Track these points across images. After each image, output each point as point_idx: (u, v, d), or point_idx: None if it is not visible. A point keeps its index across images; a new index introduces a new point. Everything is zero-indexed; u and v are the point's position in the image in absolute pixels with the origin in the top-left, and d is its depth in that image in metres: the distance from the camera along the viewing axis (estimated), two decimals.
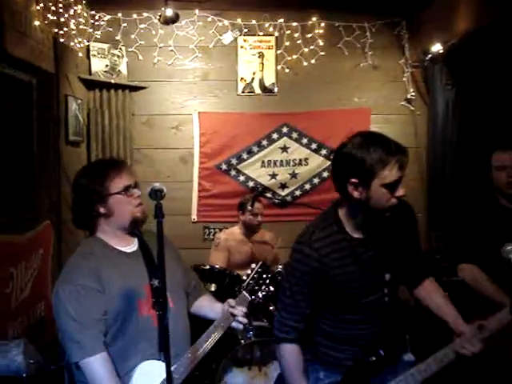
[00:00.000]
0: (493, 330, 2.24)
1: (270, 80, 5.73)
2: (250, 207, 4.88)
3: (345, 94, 5.81)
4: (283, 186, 5.83)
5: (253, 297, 2.80)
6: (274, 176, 5.81)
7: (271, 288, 4.33)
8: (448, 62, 5.17)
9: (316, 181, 5.83)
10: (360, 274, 2.31)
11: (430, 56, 5.30)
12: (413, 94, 5.74)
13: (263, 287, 2.83)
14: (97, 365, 2.28)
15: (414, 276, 2.52)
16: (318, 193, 5.81)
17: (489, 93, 4.83)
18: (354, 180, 2.21)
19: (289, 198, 5.81)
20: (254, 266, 2.87)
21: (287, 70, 5.67)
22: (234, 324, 2.66)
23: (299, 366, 2.38)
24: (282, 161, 5.81)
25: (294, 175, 5.82)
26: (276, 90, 5.74)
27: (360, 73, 5.78)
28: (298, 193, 5.84)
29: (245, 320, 2.66)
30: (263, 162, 5.80)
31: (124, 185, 2.45)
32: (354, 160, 2.21)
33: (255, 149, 5.77)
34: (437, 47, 5.16)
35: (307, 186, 5.84)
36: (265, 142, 5.77)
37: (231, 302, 2.67)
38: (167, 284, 2.00)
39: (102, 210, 2.46)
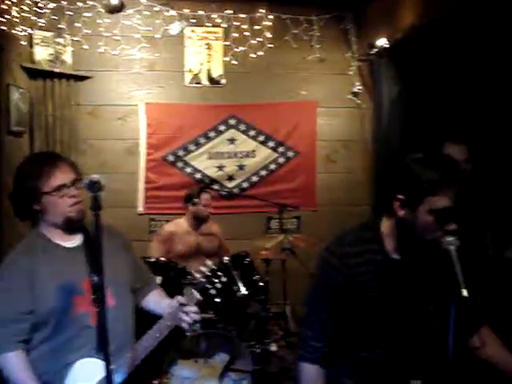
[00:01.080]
0: None
1: (217, 71, 5.71)
2: (196, 199, 4.87)
3: (292, 86, 5.83)
4: (230, 177, 5.83)
5: (204, 297, 2.77)
6: (221, 168, 5.80)
7: (223, 279, 4.38)
8: (393, 56, 5.24)
9: (263, 173, 5.85)
10: (397, 300, 2.14)
11: (375, 50, 5.36)
12: (359, 87, 5.82)
13: (216, 285, 2.79)
14: (9, 362, 2.29)
15: (467, 324, 2.21)
16: (265, 185, 5.85)
17: (433, 87, 4.92)
18: (401, 196, 2.02)
19: (236, 190, 5.81)
20: (209, 263, 2.81)
21: (235, 62, 5.65)
22: (183, 324, 2.60)
23: None
24: (229, 153, 5.81)
25: (241, 167, 5.82)
26: (223, 81, 5.72)
27: (307, 65, 5.82)
28: (245, 185, 5.85)
29: (193, 319, 2.58)
30: (210, 153, 5.77)
31: (57, 184, 2.39)
32: (407, 174, 2.00)
33: (202, 140, 5.74)
34: (382, 41, 5.22)
35: (254, 178, 5.86)
36: (212, 134, 5.75)
37: (181, 299, 2.60)
38: (109, 279, 1.97)
39: (36, 207, 2.42)
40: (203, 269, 2.80)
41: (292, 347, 5.21)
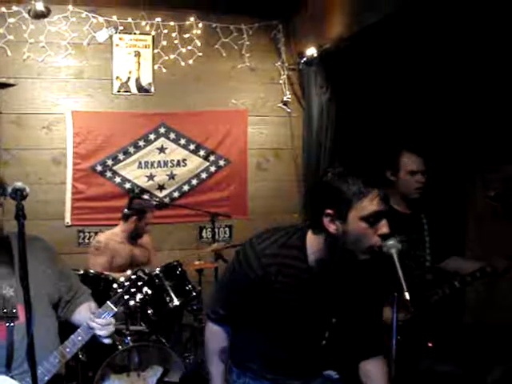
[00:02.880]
0: None
1: (146, 79, 5.61)
2: (147, 214, 4.84)
3: (222, 95, 5.81)
4: (161, 187, 5.73)
5: (120, 308, 2.70)
6: (151, 177, 5.69)
7: (148, 291, 4.29)
8: (322, 65, 5.31)
9: (194, 182, 5.79)
10: (303, 308, 2.20)
11: (304, 59, 5.42)
12: (289, 96, 5.86)
13: (137, 295, 2.72)
14: None
15: (366, 347, 2.34)
16: (197, 194, 5.78)
17: (361, 96, 5.02)
18: (329, 211, 2.04)
19: (167, 200, 5.72)
20: (128, 273, 2.77)
21: (164, 70, 5.58)
22: (99, 337, 2.58)
23: (217, 347, 2.35)
24: (159, 162, 5.71)
25: (171, 176, 5.74)
26: (153, 89, 5.63)
27: (237, 74, 5.81)
28: (176, 194, 5.76)
29: (108, 331, 2.57)
30: (140, 162, 5.66)
31: None
32: (330, 190, 2.03)
33: (132, 149, 5.63)
34: (311, 51, 5.29)
35: (185, 188, 5.78)
36: (142, 143, 5.65)
37: (93, 312, 2.59)
38: (22, 292, 1.90)
39: None
40: (121, 279, 2.74)
41: None
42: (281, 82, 5.87)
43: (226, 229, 5.85)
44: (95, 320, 2.55)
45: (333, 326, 2.26)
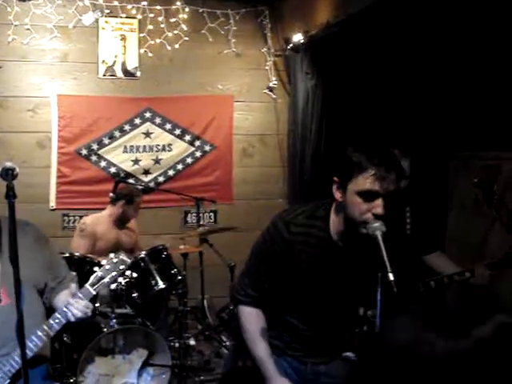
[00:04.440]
0: None
1: (132, 64, 5.60)
2: (136, 200, 4.84)
3: (208, 80, 5.81)
4: (146, 172, 5.73)
5: (100, 290, 2.68)
6: (136, 162, 5.69)
7: (133, 274, 4.31)
8: (308, 51, 5.32)
9: (180, 167, 5.80)
10: (329, 280, 2.24)
11: (291, 45, 5.43)
12: (275, 82, 5.88)
13: (119, 278, 2.71)
14: None
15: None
16: (182, 179, 5.80)
17: (347, 82, 5.05)
18: (335, 178, 2.13)
19: (152, 185, 5.73)
20: (111, 255, 2.74)
21: (150, 54, 5.57)
22: (68, 314, 2.58)
23: (257, 329, 2.31)
24: (145, 146, 5.71)
25: (157, 161, 5.74)
26: (139, 73, 5.62)
27: (223, 60, 5.81)
28: (161, 179, 5.77)
29: (82, 312, 2.58)
30: (125, 147, 5.66)
31: None
32: (341, 158, 2.10)
33: (117, 134, 5.62)
34: (297, 37, 5.29)
35: (171, 172, 5.79)
36: (127, 127, 5.64)
37: (73, 295, 2.60)
38: (5, 276, 1.91)
39: None
40: (103, 262, 2.73)
41: (210, 340, 5.23)
42: (267, 67, 5.88)
43: (211, 214, 5.87)
44: (70, 301, 2.56)
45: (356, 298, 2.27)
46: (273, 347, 2.38)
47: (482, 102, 4.52)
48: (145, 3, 5.48)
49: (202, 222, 5.36)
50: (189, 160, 5.80)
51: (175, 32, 5.54)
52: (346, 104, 5.13)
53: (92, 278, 2.66)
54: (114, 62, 5.56)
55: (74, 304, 2.54)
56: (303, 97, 5.49)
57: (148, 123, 5.69)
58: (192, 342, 4.90)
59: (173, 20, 5.54)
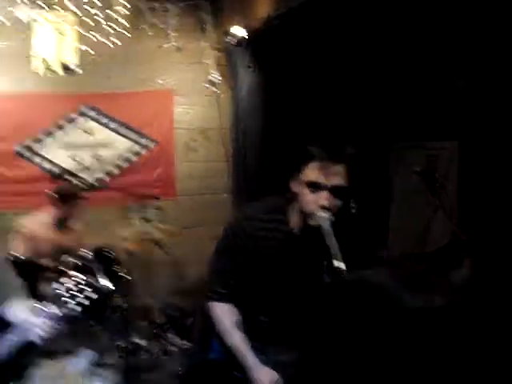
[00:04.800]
0: None
1: (71, 60, 5.41)
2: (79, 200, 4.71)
3: (149, 75, 5.73)
4: (86, 169, 5.60)
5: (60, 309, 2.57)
6: (76, 160, 5.56)
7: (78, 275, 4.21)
8: (250, 45, 5.32)
9: (121, 164, 5.71)
10: (287, 272, 2.27)
11: (232, 39, 5.40)
12: (216, 76, 5.83)
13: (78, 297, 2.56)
14: None
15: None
16: (124, 176, 5.70)
17: (289, 75, 5.07)
18: (293, 172, 2.18)
19: (93, 182, 5.60)
20: (79, 276, 2.58)
21: (90, 50, 5.40)
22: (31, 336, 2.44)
23: (231, 321, 2.33)
24: (85, 143, 5.58)
25: (98, 158, 5.63)
26: (78, 70, 5.46)
27: (164, 54, 5.73)
28: (102, 176, 5.66)
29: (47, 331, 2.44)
30: (65, 144, 5.52)
31: None
32: (297, 151, 2.16)
33: (56, 131, 5.48)
34: (239, 31, 5.26)
35: (112, 170, 5.69)
36: (66, 124, 5.51)
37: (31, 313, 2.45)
38: None
39: None
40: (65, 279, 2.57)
41: (158, 339, 5.17)
42: (208, 62, 5.83)
43: (155, 211, 5.77)
44: (36, 321, 2.41)
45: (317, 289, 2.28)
46: None
47: (422, 93, 4.63)
48: None
49: (145, 220, 5.30)
50: (130, 157, 5.71)
51: (115, 27, 5.41)
52: (288, 97, 5.15)
53: (53, 295, 2.52)
54: (52, 58, 5.37)
55: (39, 325, 2.41)
56: (245, 90, 5.49)
57: (88, 120, 5.57)
58: (139, 341, 4.85)
59: (112, 15, 5.41)
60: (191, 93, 5.87)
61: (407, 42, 4.42)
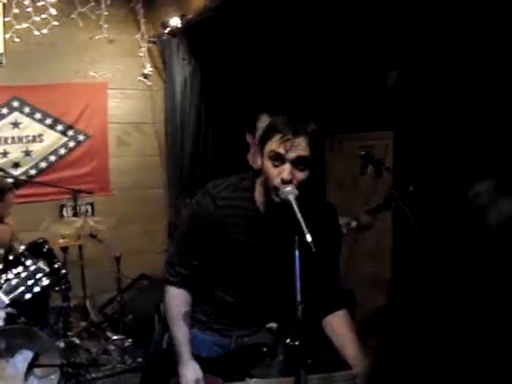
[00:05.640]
0: None
1: None
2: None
3: (80, 66, 5.54)
4: (16, 164, 5.36)
5: (10, 298, 2.45)
6: (5, 154, 5.30)
7: (14, 271, 4.05)
8: (185, 36, 5.26)
9: (52, 158, 5.50)
10: (254, 251, 2.23)
11: (167, 30, 5.32)
12: (150, 69, 5.72)
13: (34, 288, 2.46)
14: None
15: (325, 302, 2.31)
16: (56, 171, 5.50)
17: (226, 67, 5.05)
18: (257, 146, 2.16)
19: (23, 178, 5.37)
20: (28, 262, 2.48)
21: (17, 40, 5.17)
22: None
23: (180, 311, 2.28)
24: (13, 138, 5.33)
25: (27, 153, 5.39)
26: (4, 60, 5.22)
27: (95, 45, 5.55)
28: (33, 172, 5.43)
29: None
30: None
31: None
32: (264, 125, 2.14)
33: None
34: (173, 21, 5.19)
35: (43, 165, 5.47)
36: None
37: None
38: None
39: None
40: (19, 269, 2.48)
41: (96, 338, 5.04)
42: (141, 54, 5.70)
43: (88, 206, 5.60)
44: None
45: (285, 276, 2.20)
46: (197, 322, 2.38)
47: (356, 84, 4.73)
48: None
49: (79, 215, 5.14)
50: (62, 151, 5.51)
51: (43, 16, 5.18)
52: (224, 89, 5.13)
53: (5, 286, 2.41)
54: None
55: None
56: (180, 83, 5.44)
57: (16, 113, 5.32)
58: (77, 341, 4.71)
59: (40, 3, 5.18)
60: (124, 86, 5.73)
61: (341, 34, 4.50)
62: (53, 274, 4.34)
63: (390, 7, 4.11)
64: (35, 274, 2.44)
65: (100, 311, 5.46)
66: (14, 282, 2.41)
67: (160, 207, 5.84)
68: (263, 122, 3.59)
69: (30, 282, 2.43)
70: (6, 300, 2.39)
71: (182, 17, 5.08)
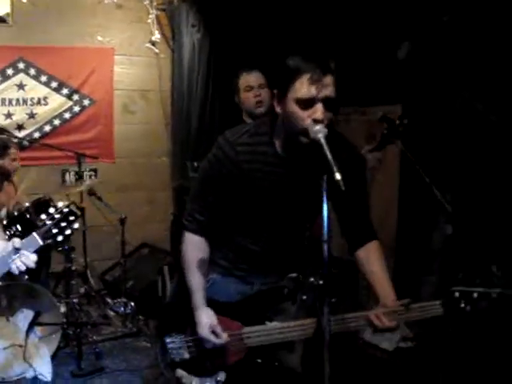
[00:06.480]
0: (418, 317, 2.10)
1: (3, 9, 5.10)
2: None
3: (87, 31, 5.46)
4: (20, 126, 5.29)
5: (46, 242, 2.42)
6: (9, 116, 5.23)
7: (18, 227, 4.02)
8: (194, 3, 5.21)
9: (56, 122, 5.43)
10: (277, 196, 2.18)
11: None
12: (158, 36, 5.64)
13: (66, 230, 2.41)
14: None
15: (356, 235, 2.30)
16: (59, 135, 5.44)
17: (234, 34, 5.01)
18: (275, 91, 2.06)
19: (26, 140, 5.29)
20: (60, 204, 2.44)
21: (24, 0, 5.11)
22: (12, 267, 2.31)
23: (196, 258, 2.26)
24: (18, 99, 5.26)
25: (32, 115, 5.32)
26: (11, 20, 5.16)
27: (104, 10, 5.49)
28: (36, 135, 5.36)
29: (26, 264, 2.32)
30: None
31: None
32: (279, 67, 2.02)
33: None
34: None
35: (47, 128, 5.40)
36: None
37: (16, 243, 2.26)
38: None
39: None
40: (51, 210, 2.44)
41: (97, 303, 5.00)
42: (149, 21, 5.61)
43: (91, 172, 5.54)
44: (20, 251, 2.27)
45: (310, 217, 2.24)
46: (219, 267, 2.35)
47: (362, 60, 4.70)
48: None
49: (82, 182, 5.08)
50: (66, 115, 5.45)
51: None
52: (233, 57, 5.08)
53: (40, 227, 2.36)
54: None
55: (21, 255, 2.26)
56: (189, 51, 5.39)
57: (21, 74, 5.25)
58: (77, 305, 4.68)
59: None
60: (131, 52, 5.66)
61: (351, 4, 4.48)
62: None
63: None
64: (68, 216, 2.39)
65: (100, 278, 5.42)
66: (48, 223, 2.36)
67: (164, 176, 5.79)
68: (244, 78, 3.65)
69: (62, 224, 2.38)
70: (41, 241, 2.34)
71: None
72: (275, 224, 2.25)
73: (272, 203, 2.21)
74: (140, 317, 4.74)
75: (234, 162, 2.17)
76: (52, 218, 2.34)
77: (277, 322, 2.22)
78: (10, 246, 2.29)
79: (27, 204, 4.24)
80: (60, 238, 2.33)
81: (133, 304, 4.73)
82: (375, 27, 4.54)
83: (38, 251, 2.39)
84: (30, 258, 2.27)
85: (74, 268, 4.71)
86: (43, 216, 2.34)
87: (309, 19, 4.78)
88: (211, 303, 2.25)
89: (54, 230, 2.33)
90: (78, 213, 2.39)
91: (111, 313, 4.86)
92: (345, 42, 4.74)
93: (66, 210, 2.36)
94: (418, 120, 4.31)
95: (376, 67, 4.66)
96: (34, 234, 2.32)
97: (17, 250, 2.26)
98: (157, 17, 5.65)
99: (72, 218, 2.36)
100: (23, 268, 2.26)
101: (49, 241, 2.33)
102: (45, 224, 2.32)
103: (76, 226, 2.35)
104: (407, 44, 4.35)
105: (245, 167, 2.17)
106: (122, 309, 4.79)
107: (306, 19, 4.74)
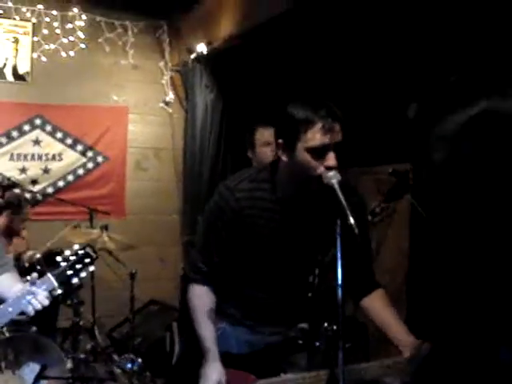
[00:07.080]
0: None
1: (24, 68, 5.31)
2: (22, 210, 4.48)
3: (103, 90, 5.64)
4: (34, 181, 5.39)
5: (60, 283, 2.42)
6: (24, 170, 5.35)
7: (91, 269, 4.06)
8: (209, 64, 5.34)
9: (70, 178, 5.53)
10: (280, 243, 2.18)
11: (192, 56, 5.39)
12: (171, 96, 5.81)
13: (81, 272, 2.42)
14: None
15: (362, 283, 2.29)
16: (72, 191, 5.53)
17: (247, 95, 5.11)
18: (280, 141, 2.08)
19: (39, 196, 5.39)
20: (76, 247, 2.45)
21: (44, 59, 5.30)
22: (28, 308, 2.31)
23: (203, 307, 2.24)
24: (33, 155, 5.39)
25: (46, 171, 5.44)
26: (30, 78, 5.34)
27: (120, 71, 5.68)
28: (50, 190, 5.46)
29: (41, 304, 2.32)
30: (12, 154, 5.31)
31: None
32: (284, 117, 2.07)
33: (4, 140, 5.28)
34: (199, 48, 5.25)
35: (60, 184, 5.50)
36: (15, 134, 5.32)
37: (33, 283, 2.32)
38: None
39: None
40: (67, 252, 2.45)
41: (103, 360, 4.93)
42: (163, 82, 5.81)
43: (102, 228, 5.58)
44: (30, 290, 2.28)
45: (320, 262, 2.18)
46: (228, 316, 2.33)
47: (369, 119, 4.77)
48: (40, 7, 5.24)
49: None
50: (80, 171, 5.55)
51: (71, 38, 5.33)
52: (245, 118, 5.18)
53: (56, 268, 2.38)
54: (5, 64, 5.25)
55: (36, 295, 2.27)
56: (202, 111, 5.49)
57: (38, 130, 5.40)
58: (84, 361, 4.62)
59: (69, 26, 5.33)
60: (145, 111, 5.81)
61: (360, 64, 4.57)
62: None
63: (409, 39, 4.19)
64: (84, 259, 2.40)
65: (107, 334, 5.37)
66: (63, 265, 2.37)
67: (174, 233, 5.82)
68: (261, 133, 3.70)
69: (78, 266, 2.39)
70: (55, 282, 2.35)
71: (208, 44, 5.17)
72: (279, 271, 2.25)
73: (273, 250, 2.21)
74: (147, 373, 4.67)
75: (235, 208, 2.19)
76: (67, 260, 2.36)
77: (291, 374, 2.17)
78: (26, 287, 2.31)
79: (38, 256, 4.26)
80: (75, 280, 2.33)
81: (140, 360, 4.67)
82: (381, 85, 4.62)
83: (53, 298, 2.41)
84: (44, 298, 2.28)
85: (81, 323, 4.68)
86: (58, 258, 2.36)
87: (318, 79, 4.88)
88: (224, 356, 2.20)
89: (69, 272, 2.35)
90: (94, 255, 2.41)
91: (118, 370, 4.79)
92: (352, 104, 4.83)
93: (81, 252, 2.38)
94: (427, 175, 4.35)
95: (384, 126, 4.72)
96: (49, 274, 2.33)
97: (31, 291, 2.28)
98: (171, 78, 5.83)
99: (88, 260, 2.38)
100: (39, 307, 2.27)
101: (63, 281, 2.35)
102: (60, 265, 2.34)
103: (92, 268, 2.37)
104: (416, 104, 4.42)
105: (245, 213, 2.18)
106: (129, 365, 4.71)
107: (315, 79, 4.84)
